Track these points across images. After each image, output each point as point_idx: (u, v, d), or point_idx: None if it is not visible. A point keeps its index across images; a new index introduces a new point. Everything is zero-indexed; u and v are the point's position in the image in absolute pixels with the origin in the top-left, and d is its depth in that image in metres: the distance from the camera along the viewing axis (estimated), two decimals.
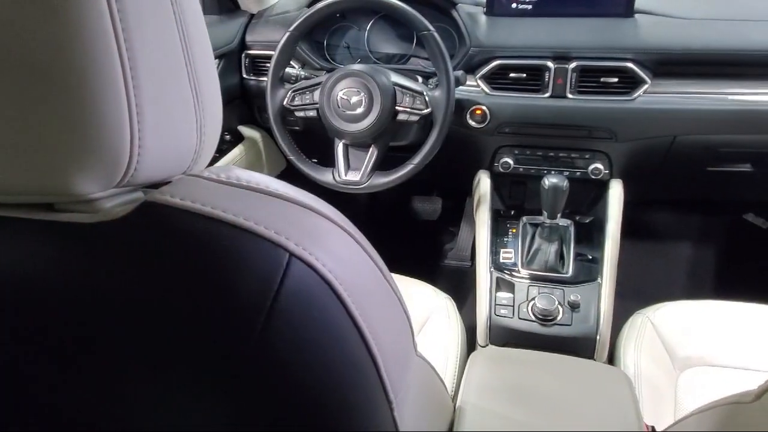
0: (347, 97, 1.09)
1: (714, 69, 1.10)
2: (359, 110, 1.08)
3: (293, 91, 1.15)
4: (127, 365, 0.33)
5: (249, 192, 0.35)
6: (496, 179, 1.30)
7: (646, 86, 1.11)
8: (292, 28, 1.11)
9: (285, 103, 1.16)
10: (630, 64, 1.10)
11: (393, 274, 1.17)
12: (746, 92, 1.09)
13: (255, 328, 0.31)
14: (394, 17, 1.13)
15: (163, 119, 0.33)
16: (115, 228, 0.32)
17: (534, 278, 1.11)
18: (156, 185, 0.36)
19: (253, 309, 0.31)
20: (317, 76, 1.16)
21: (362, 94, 1.08)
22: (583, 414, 0.65)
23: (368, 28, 1.32)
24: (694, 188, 1.37)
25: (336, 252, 0.36)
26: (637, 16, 1.13)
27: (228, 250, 0.31)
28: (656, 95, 1.11)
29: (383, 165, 1.16)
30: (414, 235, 1.88)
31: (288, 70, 1.19)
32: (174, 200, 0.32)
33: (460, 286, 1.53)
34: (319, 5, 1.09)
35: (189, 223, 0.31)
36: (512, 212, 1.26)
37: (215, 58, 1.30)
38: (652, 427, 0.72)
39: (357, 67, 1.09)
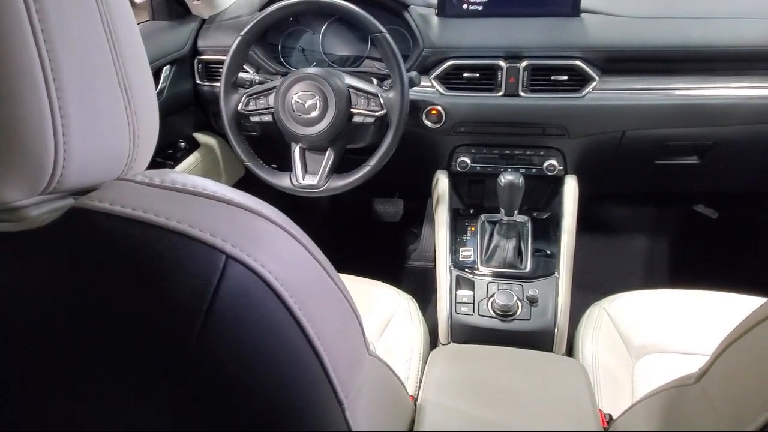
0: (302, 101, 1.08)
1: (658, 65, 1.14)
2: (314, 113, 1.08)
3: (247, 96, 1.14)
4: (64, 372, 0.32)
5: (184, 195, 0.34)
6: (455, 179, 1.31)
7: (594, 83, 1.13)
8: (243, 32, 1.10)
9: (239, 108, 1.14)
10: (578, 62, 1.13)
11: (355, 277, 1.17)
12: (689, 87, 1.13)
13: (192, 333, 0.31)
14: (347, 20, 1.13)
15: (91, 123, 0.32)
16: (42, 236, 0.31)
17: (493, 275, 1.13)
18: (90, 191, 0.35)
19: (189, 313, 0.30)
20: (272, 81, 1.16)
21: (317, 97, 1.07)
22: (540, 405, 0.65)
23: (322, 31, 1.32)
24: (645, 181, 1.41)
25: (277, 253, 0.36)
26: (584, 15, 1.16)
27: (160, 254, 0.30)
28: (605, 92, 1.14)
29: (342, 168, 1.15)
30: (377, 238, 1.88)
31: (242, 74, 1.18)
32: (102, 205, 0.31)
33: (424, 287, 1.54)
34: (270, 9, 1.08)
35: (118, 228, 0.31)
36: (471, 211, 1.28)
37: (166, 64, 1.27)
38: (609, 416, 0.73)
39: (311, 70, 1.09)
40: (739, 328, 0.41)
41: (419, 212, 1.81)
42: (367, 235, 1.91)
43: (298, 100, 1.08)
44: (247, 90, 1.15)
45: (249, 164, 1.16)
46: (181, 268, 0.30)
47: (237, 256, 0.32)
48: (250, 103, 1.14)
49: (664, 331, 0.97)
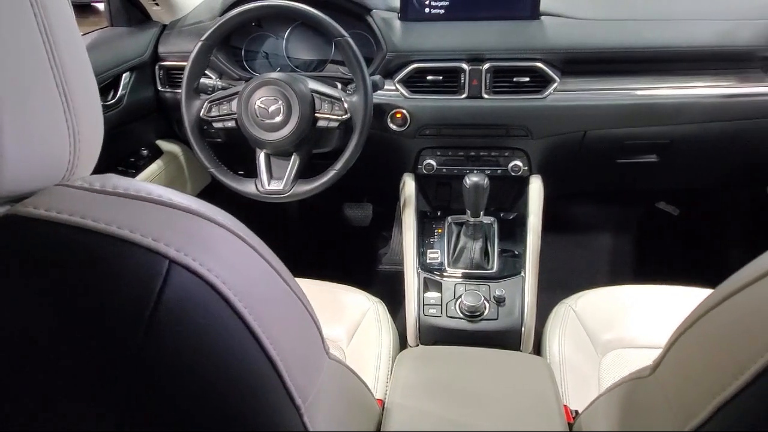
0: (265, 106, 1.07)
1: (616, 66, 1.16)
2: (278, 119, 1.07)
3: (210, 102, 1.13)
4: (7, 380, 0.31)
5: (125, 200, 0.33)
6: (421, 181, 1.31)
7: (555, 84, 1.15)
8: (203, 37, 1.09)
9: (202, 114, 1.13)
10: (539, 64, 1.14)
11: (324, 282, 1.17)
12: (645, 87, 1.16)
13: (135, 340, 0.30)
14: (309, 24, 1.13)
15: (26, 129, 0.31)
16: None
17: (461, 276, 1.13)
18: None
19: (130, 320, 0.30)
20: (235, 86, 1.14)
21: (280, 102, 1.06)
22: (506, 404, 0.66)
23: (286, 36, 1.31)
24: (608, 180, 1.44)
25: (226, 258, 0.35)
26: (543, 18, 1.18)
27: (99, 260, 0.30)
28: (565, 93, 1.16)
29: (308, 173, 1.15)
30: (347, 243, 1.88)
31: (204, 80, 1.16)
32: (37, 212, 0.30)
33: (394, 290, 1.54)
34: (231, 14, 1.07)
35: (54, 235, 0.30)
36: (439, 213, 1.28)
37: (126, 70, 1.25)
38: (576, 411, 0.74)
39: (274, 75, 1.08)
40: (689, 318, 0.42)
41: (389, 216, 1.82)
42: (337, 240, 1.90)
43: (261, 105, 1.07)
44: (210, 96, 1.14)
45: (213, 171, 1.14)
46: (121, 275, 0.30)
47: (181, 261, 0.31)
48: (213, 109, 1.13)
49: (629, 326, 0.99)
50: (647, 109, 1.16)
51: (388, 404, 0.67)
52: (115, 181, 0.34)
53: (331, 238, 1.91)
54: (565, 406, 0.85)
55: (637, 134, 1.21)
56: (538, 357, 0.76)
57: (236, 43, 1.33)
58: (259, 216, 1.85)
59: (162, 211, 0.34)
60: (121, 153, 1.32)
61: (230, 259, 0.36)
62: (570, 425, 0.68)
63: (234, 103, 1.11)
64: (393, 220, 1.81)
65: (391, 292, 1.43)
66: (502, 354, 0.76)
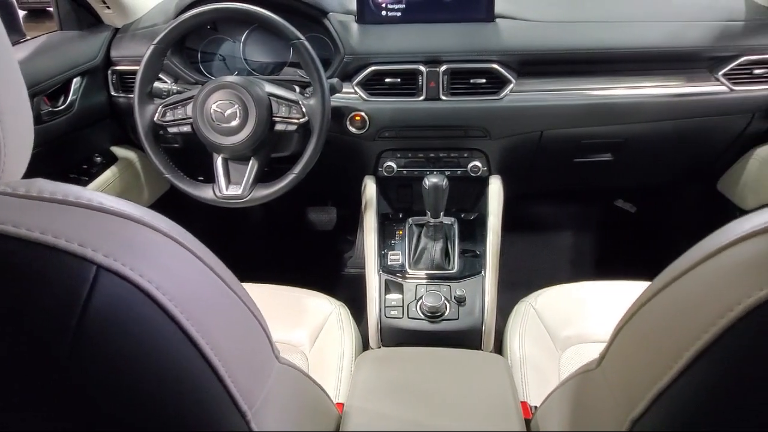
0: (221, 110, 1.06)
1: (570, 67, 1.19)
2: (234, 123, 1.05)
3: (164, 107, 1.10)
4: None
5: (51, 204, 0.32)
6: (382, 183, 1.31)
7: (511, 85, 1.17)
8: (156, 41, 1.07)
9: (156, 119, 1.10)
10: (495, 65, 1.16)
11: (286, 287, 1.15)
12: (599, 87, 1.18)
13: (62, 350, 0.29)
14: (264, 28, 1.12)
15: None
16: None
17: (422, 277, 1.14)
18: None
19: (56, 330, 0.29)
20: (190, 90, 1.12)
21: (236, 106, 1.05)
22: (463, 402, 0.66)
23: (243, 39, 1.30)
24: (566, 179, 1.47)
25: (161, 263, 0.34)
26: (498, 20, 1.19)
27: (20, 268, 0.28)
28: (522, 93, 1.18)
29: (267, 177, 1.13)
30: (311, 247, 1.87)
31: (158, 84, 1.14)
32: None
33: (360, 293, 1.54)
34: (184, 17, 1.05)
35: None
36: (401, 215, 1.28)
37: (76, 75, 1.21)
38: (535, 407, 0.75)
39: (230, 78, 1.07)
40: (629, 311, 0.43)
41: (353, 219, 1.81)
42: (302, 244, 1.89)
43: (217, 109, 1.06)
44: (164, 100, 1.11)
45: (168, 176, 1.12)
46: (44, 282, 0.29)
47: (110, 267, 0.30)
48: (167, 114, 1.10)
49: (587, 322, 1.01)
50: (601, 108, 1.19)
51: (347, 408, 0.67)
52: (41, 185, 0.33)
53: (296, 243, 1.90)
54: (525, 402, 0.86)
55: (592, 133, 1.24)
56: (497, 355, 0.77)
57: (192, 47, 1.30)
58: (222, 222, 1.84)
59: (91, 215, 0.33)
60: (73, 160, 1.28)
61: (167, 264, 0.35)
62: (528, 421, 0.69)
63: (189, 108, 1.09)
64: (357, 223, 1.80)
65: (355, 296, 1.42)
66: (461, 353, 0.76)
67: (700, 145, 1.30)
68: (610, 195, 1.82)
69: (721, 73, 1.17)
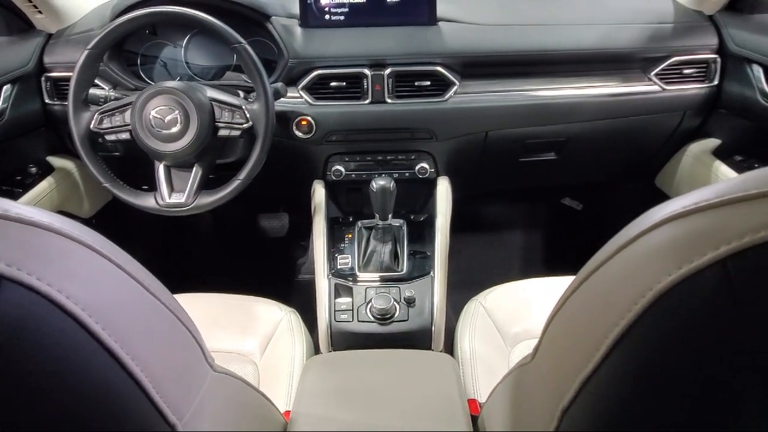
0: (161, 116, 1.03)
1: (511, 69, 1.21)
2: (175, 129, 1.03)
3: (101, 114, 1.07)
4: None
5: None
6: (332, 188, 1.31)
7: (455, 87, 1.19)
8: (90, 46, 1.03)
9: (92, 126, 1.07)
10: (439, 68, 1.17)
11: (235, 295, 1.13)
12: (540, 88, 1.21)
13: None
14: (204, 31, 1.10)
15: None
16: None
17: (371, 280, 1.14)
18: None
19: None
20: (129, 97, 1.09)
21: (177, 111, 1.03)
22: (409, 403, 0.66)
23: (184, 44, 1.27)
24: (513, 178, 1.50)
25: (73, 272, 0.33)
26: (441, 23, 1.21)
27: None
28: (466, 95, 1.20)
29: (214, 184, 1.11)
30: (263, 254, 1.84)
31: (94, 91, 1.10)
32: None
33: (313, 299, 1.53)
34: (118, 21, 1.02)
35: None
36: (350, 218, 1.28)
37: (6, 83, 1.16)
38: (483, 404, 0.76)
39: (169, 83, 1.04)
40: (558, 303, 0.44)
41: (306, 225, 1.80)
42: (254, 252, 1.86)
43: (156, 115, 1.03)
44: (101, 107, 1.08)
45: (107, 185, 1.08)
46: None
47: (14, 276, 0.29)
48: (104, 121, 1.07)
49: (535, 317, 1.03)
50: (542, 109, 1.22)
51: (293, 415, 0.66)
52: None
53: (248, 251, 1.87)
54: (474, 400, 0.87)
55: (536, 133, 1.27)
56: (444, 354, 0.77)
57: (133, 51, 1.27)
58: (170, 231, 1.79)
59: None
60: (6, 171, 1.22)
61: (81, 273, 0.33)
62: (475, 417, 0.69)
63: (127, 114, 1.06)
64: (310, 228, 1.79)
65: (309, 301, 1.41)
66: (408, 354, 0.76)
67: (637, 143, 1.35)
68: (557, 193, 1.87)
69: (653, 73, 1.22)
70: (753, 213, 0.30)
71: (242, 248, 1.87)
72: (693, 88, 1.23)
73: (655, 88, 1.22)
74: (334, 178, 1.26)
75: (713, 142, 1.31)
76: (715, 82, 1.23)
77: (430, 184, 1.30)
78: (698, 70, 1.23)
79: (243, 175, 1.07)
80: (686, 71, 1.22)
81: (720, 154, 1.29)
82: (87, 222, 1.47)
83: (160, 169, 1.09)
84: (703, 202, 0.33)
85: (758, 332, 0.28)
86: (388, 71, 1.17)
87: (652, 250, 0.34)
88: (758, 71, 1.13)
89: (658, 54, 1.21)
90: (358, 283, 1.13)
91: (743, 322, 0.29)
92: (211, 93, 1.07)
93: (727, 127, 1.28)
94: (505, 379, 0.57)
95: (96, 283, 0.34)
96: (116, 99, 1.10)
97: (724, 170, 1.24)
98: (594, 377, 0.36)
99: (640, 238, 0.35)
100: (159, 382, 0.36)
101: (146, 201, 1.09)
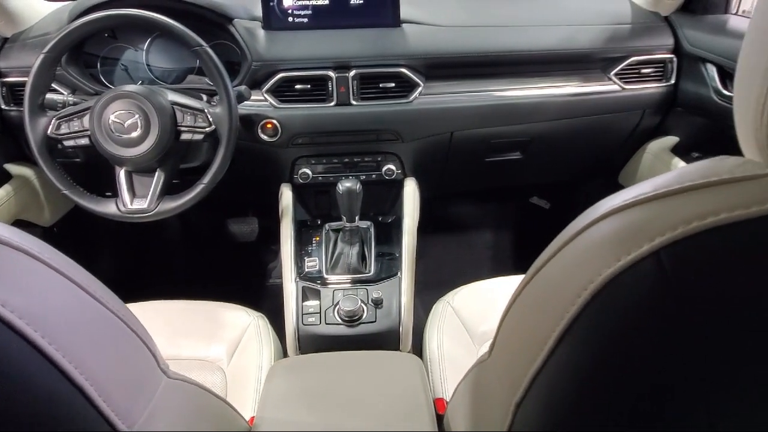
0: (121, 121, 1.01)
1: (475, 70, 1.23)
2: (135, 133, 1.01)
3: (58, 119, 1.04)
4: None
5: None
6: (299, 191, 1.30)
7: (420, 89, 1.19)
8: (46, 49, 1.01)
9: (50, 132, 1.04)
10: (403, 69, 1.18)
11: (202, 302, 1.11)
12: (503, 89, 1.23)
13: None
14: (165, 35, 1.08)
15: None
16: None
17: (339, 282, 1.13)
18: None
19: None
20: (88, 101, 1.07)
21: (137, 116, 1.01)
22: (374, 404, 0.66)
23: (146, 47, 1.25)
24: (480, 178, 1.51)
25: (13, 281, 0.32)
26: (404, 25, 1.21)
27: None
28: (430, 96, 1.20)
29: (178, 189, 1.10)
30: (233, 259, 1.82)
31: (52, 96, 1.08)
32: None
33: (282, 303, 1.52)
34: (75, 24, 1.00)
35: None
36: (318, 221, 1.28)
37: None
38: None
39: (129, 87, 1.02)
40: (510, 299, 0.44)
41: (275, 229, 1.78)
42: (223, 257, 1.83)
43: (116, 120, 1.01)
44: (58, 112, 1.05)
45: (66, 192, 1.06)
46: None
47: None
48: (62, 127, 1.04)
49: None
50: (506, 108, 1.23)
51: (257, 419, 0.66)
52: None
53: (217, 256, 1.84)
54: (442, 399, 0.87)
55: (501, 133, 1.28)
56: (409, 354, 0.78)
57: (90, 57, 1.24)
58: (136, 237, 1.76)
59: None
60: None
61: (20, 282, 0.33)
62: (441, 416, 0.70)
63: (86, 119, 1.03)
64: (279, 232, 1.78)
65: (279, 306, 1.40)
66: (373, 355, 0.76)
67: (599, 141, 1.38)
68: (525, 193, 1.89)
69: (612, 73, 1.25)
70: (686, 205, 0.31)
71: (211, 254, 1.85)
72: (651, 88, 1.27)
73: (615, 87, 1.25)
74: (301, 181, 1.26)
75: (672, 140, 1.34)
76: (672, 82, 1.26)
77: (398, 186, 1.30)
78: (655, 69, 1.26)
79: (207, 179, 1.06)
80: (644, 71, 1.25)
81: (678, 151, 1.33)
82: (48, 230, 1.43)
83: (121, 175, 1.08)
84: (641, 195, 0.33)
85: (691, 321, 0.29)
86: (352, 73, 1.17)
87: (594, 243, 0.34)
88: (712, 70, 1.16)
89: (616, 54, 1.24)
90: (326, 286, 1.12)
91: (677, 311, 0.30)
92: (173, 96, 1.05)
93: (684, 124, 1.31)
94: (466, 376, 0.57)
95: (38, 293, 0.34)
96: (75, 104, 1.08)
97: (681, 167, 1.28)
98: (543, 371, 0.36)
99: (583, 232, 0.36)
100: (105, 389, 0.35)
101: (107, 207, 1.07)
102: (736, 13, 1.24)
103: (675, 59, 1.25)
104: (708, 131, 1.25)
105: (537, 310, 0.38)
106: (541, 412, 0.38)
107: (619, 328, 0.32)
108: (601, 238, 0.34)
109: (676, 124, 1.33)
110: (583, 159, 1.48)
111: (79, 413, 0.34)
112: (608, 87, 1.25)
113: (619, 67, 1.24)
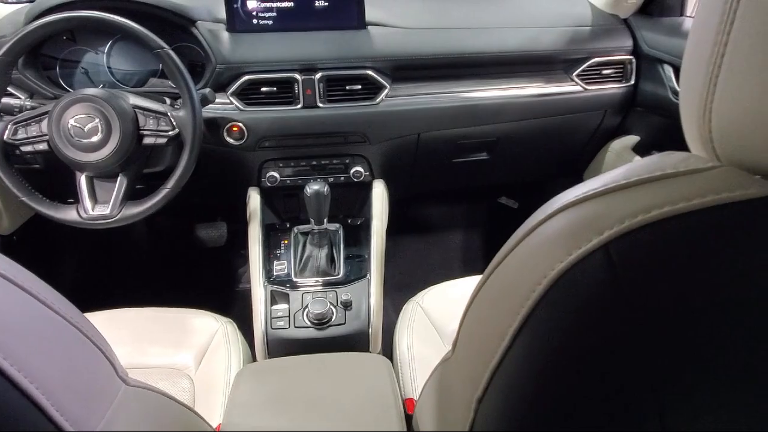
0: (80, 125, 0.99)
1: (440, 71, 1.24)
2: (96, 138, 0.99)
3: (14, 124, 1.02)
4: None
5: None
6: (268, 194, 1.29)
7: (386, 90, 1.20)
8: (0, 53, 0.98)
9: (6, 137, 1.01)
10: (370, 72, 1.18)
11: (168, 309, 1.09)
12: (468, 90, 1.24)
13: None
14: (125, 37, 1.06)
15: None
16: None
17: (308, 285, 1.13)
18: None
19: None
20: (46, 105, 1.04)
21: (97, 120, 0.99)
22: (342, 406, 0.66)
23: (107, 50, 1.22)
24: (448, 179, 1.53)
25: None
26: (370, 28, 1.22)
27: None
28: (397, 98, 1.21)
29: (142, 194, 1.08)
30: (201, 265, 1.80)
31: (8, 100, 1.05)
32: None
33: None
34: (30, 27, 0.97)
35: None
36: (288, 224, 1.27)
37: None
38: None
39: (88, 91, 1.00)
40: (471, 295, 0.45)
41: (245, 233, 1.77)
42: (191, 263, 1.81)
43: (75, 124, 0.99)
44: (15, 117, 1.02)
45: (24, 199, 1.03)
46: None
47: None
48: (19, 132, 1.02)
49: None
50: (471, 109, 1.25)
51: (224, 426, 0.65)
52: None
53: (185, 262, 1.81)
54: (412, 399, 0.88)
55: (467, 134, 1.30)
56: (377, 355, 0.78)
57: (49, 60, 1.21)
58: (100, 245, 1.72)
59: None
60: None
61: None
62: (410, 416, 0.70)
63: (44, 124, 1.01)
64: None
65: (249, 311, 1.39)
66: (340, 357, 0.76)
67: (563, 141, 1.41)
68: (493, 193, 1.91)
69: (575, 74, 1.27)
70: (632, 199, 0.31)
71: (179, 260, 1.82)
72: (612, 88, 1.30)
73: (577, 88, 1.28)
74: (269, 184, 1.25)
75: (633, 139, 1.38)
76: (632, 82, 1.30)
77: (366, 188, 1.30)
78: (616, 70, 1.29)
79: (171, 183, 1.04)
80: (605, 72, 1.28)
81: (639, 149, 1.36)
82: (8, 239, 1.39)
83: (82, 180, 1.05)
84: (591, 191, 0.34)
85: (639, 314, 0.30)
86: (318, 75, 1.17)
87: (547, 239, 0.35)
88: (669, 71, 1.20)
89: (578, 55, 1.27)
90: (295, 289, 1.12)
91: (625, 304, 0.30)
92: (135, 100, 1.04)
93: (644, 124, 1.35)
94: (431, 376, 0.58)
95: None
96: (32, 108, 1.05)
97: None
98: (501, 367, 0.37)
99: (537, 228, 0.37)
100: (57, 398, 0.35)
101: (68, 214, 1.04)
102: (690, 16, 1.28)
103: (634, 60, 1.29)
104: (667, 130, 1.29)
105: (494, 307, 0.39)
106: (501, 408, 0.38)
107: (572, 323, 0.32)
108: (554, 233, 0.35)
109: (636, 124, 1.37)
110: (549, 158, 1.50)
111: (27, 423, 0.33)
112: (571, 88, 1.27)
113: (581, 68, 1.27)
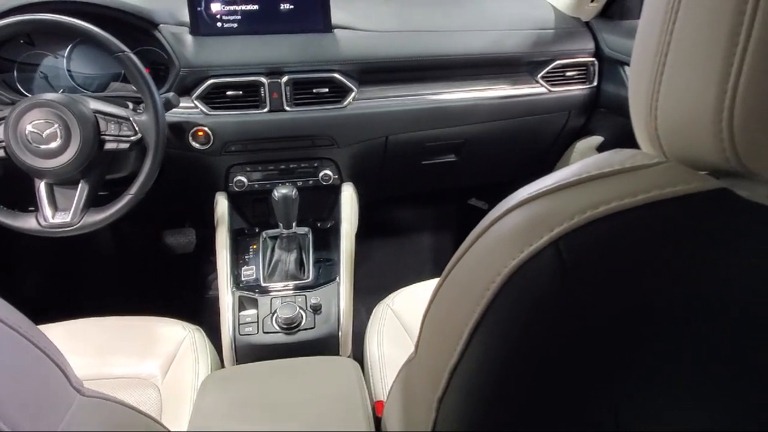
0: (38, 131, 0.96)
1: (407, 74, 1.24)
2: (55, 144, 0.97)
3: None
4: None
5: None
6: (236, 199, 1.28)
7: (353, 93, 1.20)
8: None
9: None
10: (336, 75, 1.18)
11: (133, 317, 1.07)
12: (435, 92, 1.25)
13: None
14: (85, 41, 1.04)
15: None
16: None
17: (276, 290, 1.12)
18: None
19: None
20: (2, 111, 1.01)
21: (56, 125, 0.97)
22: (310, 410, 0.65)
23: (67, 54, 1.20)
24: (417, 181, 1.53)
25: None
26: (336, 31, 1.21)
27: None
28: (364, 101, 1.21)
29: (105, 201, 1.05)
30: (169, 272, 1.76)
31: None
32: None
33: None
34: None
35: None
36: (256, 229, 1.26)
37: None
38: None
39: (47, 96, 0.98)
40: (432, 294, 0.45)
41: (213, 239, 1.74)
42: (158, 270, 1.77)
43: (33, 130, 0.96)
44: None
45: None
46: None
47: None
48: None
49: None
50: (438, 112, 1.25)
51: None
52: None
53: (152, 269, 1.78)
54: (382, 401, 0.87)
55: (435, 136, 1.31)
56: (345, 358, 0.77)
57: (7, 65, 1.18)
58: (65, 252, 1.67)
59: None
60: None
61: None
62: (379, 419, 0.70)
63: (0, 130, 0.98)
64: None
65: (218, 317, 1.37)
66: (307, 361, 0.75)
67: (530, 142, 1.43)
68: (463, 195, 1.93)
69: (539, 75, 1.29)
70: (581, 195, 0.32)
71: (146, 267, 1.78)
72: (575, 89, 1.32)
73: (542, 89, 1.30)
74: (236, 189, 1.23)
75: (597, 139, 1.41)
76: (595, 83, 1.32)
77: (335, 191, 1.30)
78: (579, 72, 1.32)
79: (134, 189, 1.02)
80: (569, 73, 1.31)
81: (603, 149, 1.39)
82: None
83: (41, 188, 1.03)
84: (544, 187, 0.35)
85: (588, 310, 0.30)
86: (285, 79, 1.16)
87: (501, 236, 0.35)
88: (629, 72, 1.22)
89: (542, 58, 1.29)
90: (264, 294, 1.11)
91: (575, 300, 0.31)
92: (95, 105, 1.01)
93: (607, 124, 1.38)
94: (397, 376, 0.58)
95: None
96: None
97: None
98: (459, 366, 0.37)
99: (492, 225, 0.37)
100: (7, 410, 0.34)
101: (26, 222, 1.01)
102: None
103: (596, 62, 1.31)
104: (629, 130, 1.31)
105: (453, 306, 0.39)
106: (461, 407, 0.38)
107: (525, 320, 0.32)
108: (508, 230, 0.35)
109: (600, 124, 1.39)
110: (516, 159, 1.52)
111: None
112: (536, 89, 1.29)
113: (545, 70, 1.29)
